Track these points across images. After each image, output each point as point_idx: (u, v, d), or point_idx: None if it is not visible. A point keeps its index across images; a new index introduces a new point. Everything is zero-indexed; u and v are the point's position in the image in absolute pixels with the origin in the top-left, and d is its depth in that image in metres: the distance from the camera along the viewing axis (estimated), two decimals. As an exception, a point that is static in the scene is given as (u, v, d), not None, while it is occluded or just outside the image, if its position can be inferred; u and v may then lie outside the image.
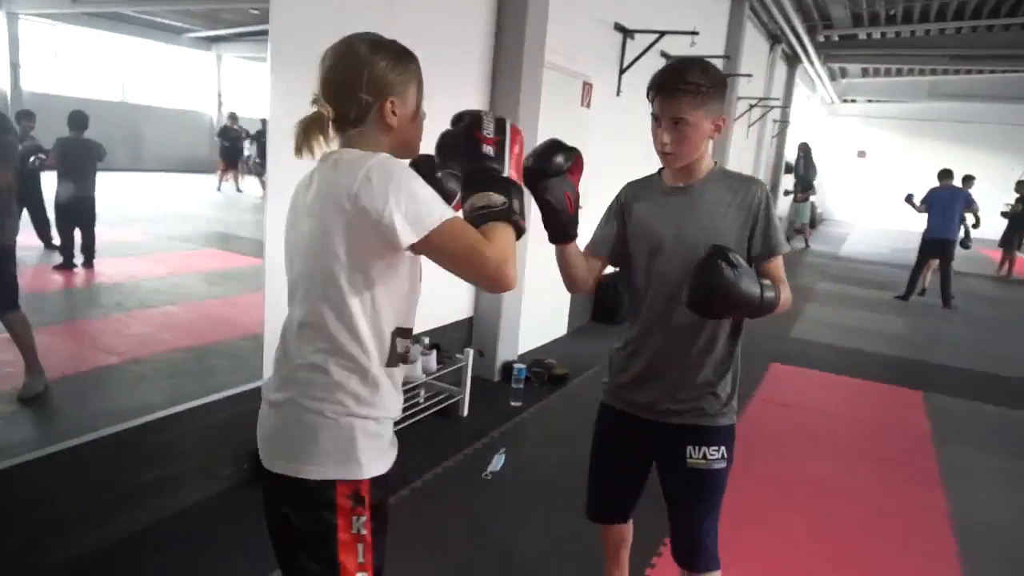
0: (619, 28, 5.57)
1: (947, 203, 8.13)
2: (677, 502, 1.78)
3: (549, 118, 4.43)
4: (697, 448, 1.70)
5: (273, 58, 2.68)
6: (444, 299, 4.09)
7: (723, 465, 1.72)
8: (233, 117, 7.07)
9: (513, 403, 3.96)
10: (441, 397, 3.67)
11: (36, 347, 2.94)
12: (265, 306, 2.85)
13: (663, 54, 6.23)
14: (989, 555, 2.84)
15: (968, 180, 9.41)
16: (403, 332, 1.29)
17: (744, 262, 1.46)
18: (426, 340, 3.65)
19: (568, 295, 5.52)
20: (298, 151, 1.26)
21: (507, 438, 3.53)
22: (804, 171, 13.72)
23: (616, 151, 5.41)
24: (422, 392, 3.64)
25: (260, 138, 3.31)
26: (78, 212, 4.60)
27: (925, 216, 8.26)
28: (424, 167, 1.38)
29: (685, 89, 1.56)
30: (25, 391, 2.88)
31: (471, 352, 3.73)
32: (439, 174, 1.46)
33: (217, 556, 2.40)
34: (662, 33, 5.70)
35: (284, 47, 2.70)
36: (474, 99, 4.07)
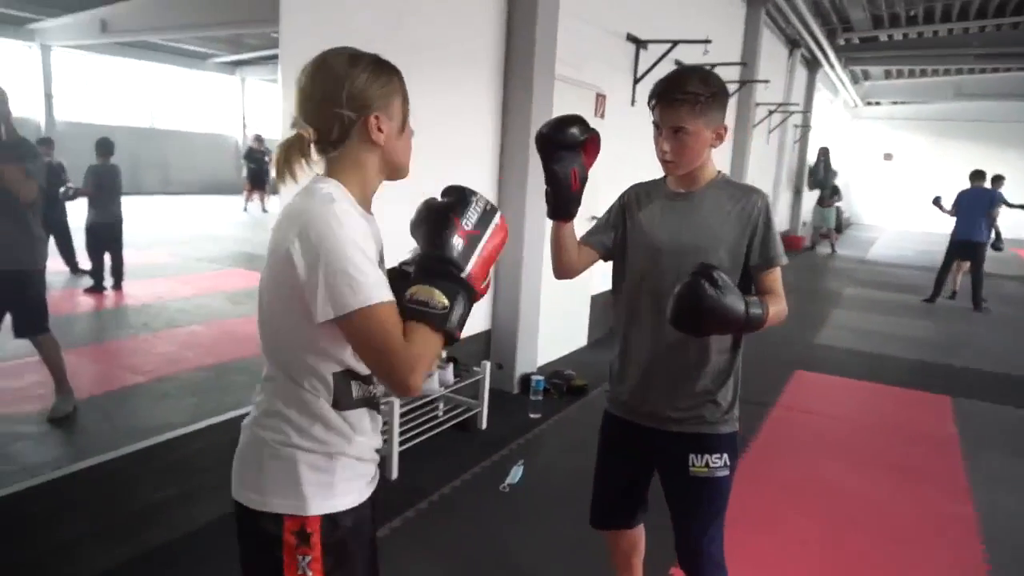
0: (631, 39, 5.60)
1: (974, 204, 8.01)
2: (680, 510, 1.78)
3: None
4: (699, 456, 1.70)
5: (284, 79, 2.76)
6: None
7: (726, 473, 1.72)
8: (259, 139, 7.23)
9: (532, 415, 3.97)
10: (459, 410, 3.70)
11: (65, 368, 3.04)
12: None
13: (677, 63, 6.24)
14: (1019, 563, 2.77)
15: (998, 180, 9.23)
16: (356, 376, 1.19)
17: (729, 280, 1.46)
18: (443, 353, 3.69)
19: (588, 306, 5.52)
20: (279, 177, 1.17)
21: (525, 450, 3.54)
22: (823, 176, 13.56)
23: (631, 161, 5.41)
24: (440, 405, 3.67)
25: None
26: (107, 236, 4.75)
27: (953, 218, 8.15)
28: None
29: (684, 99, 1.59)
30: (54, 412, 2.97)
31: (488, 365, 3.75)
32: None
33: (234, 572, 2.44)
34: (675, 42, 5.72)
35: (294, 67, 2.77)
36: (485, 114, 4.12)
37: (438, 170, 3.59)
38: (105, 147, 5.21)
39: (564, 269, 1.82)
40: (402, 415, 3.18)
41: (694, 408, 1.71)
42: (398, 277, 1.29)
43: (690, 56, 6.26)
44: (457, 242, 1.13)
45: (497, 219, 1.19)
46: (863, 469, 3.56)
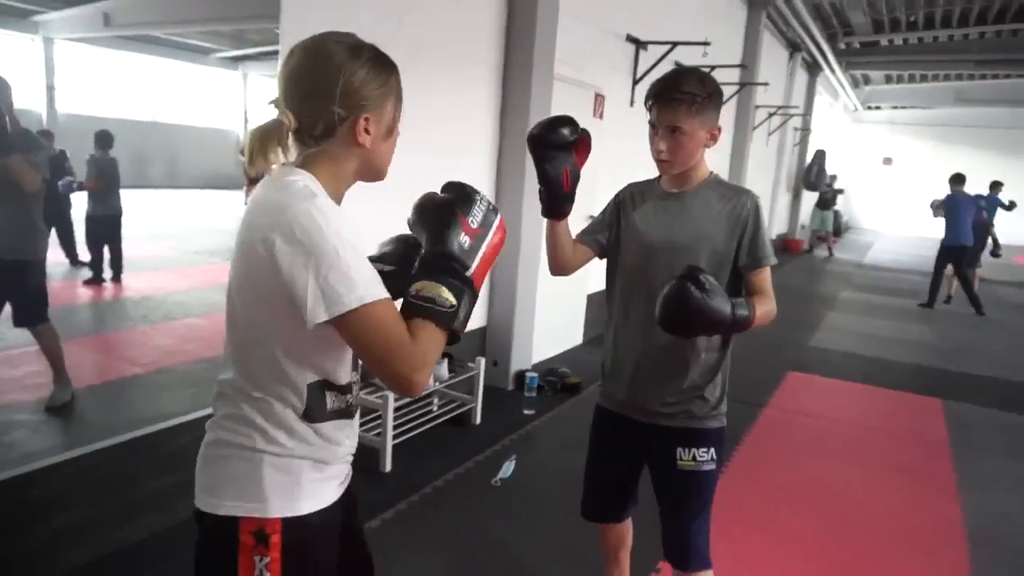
0: (631, 39, 5.64)
1: (960, 209, 8.09)
2: (668, 503, 1.82)
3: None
4: (687, 450, 1.74)
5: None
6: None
7: (712, 467, 1.76)
8: (256, 134, 7.24)
9: (526, 411, 4.01)
10: (454, 405, 3.73)
11: (64, 358, 3.07)
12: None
13: (677, 64, 6.27)
14: (1000, 564, 2.81)
15: (996, 186, 9.28)
16: (332, 387, 1.14)
17: (715, 283, 1.49)
18: (439, 350, 3.73)
19: (584, 304, 5.56)
20: (250, 162, 1.08)
21: (518, 445, 3.58)
22: (815, 178, 13.56)
23: (629, 162, 5.45)
24: (435, 400, 3.71)
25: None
26: (106, 228, 4.78)
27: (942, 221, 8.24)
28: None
29: (681, 99, 1.62)
30: (52, 401, 3.01)
31: (483, 361, 3.79)
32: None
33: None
34: (675, 44, 5.75)
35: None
36: (484, 113, 4.16)
37: (435, 168, 3.62)
38: (104, 139, 5.24)
39: (559, 266, 1.86)
40: (396, 409, 3.22)
41: (682, 403, 1.75)
42: (402, 253, 1.30)
43: (690, 58, 6.29)
44: (464, 239, 1.09)
45: (498, 219, 1.15)
46: (853, 469, 3.60)
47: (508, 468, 3.25)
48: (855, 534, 2.94)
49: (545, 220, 1.80)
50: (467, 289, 1.09)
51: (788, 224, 14.14)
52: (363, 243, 1.15)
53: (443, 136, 3.75)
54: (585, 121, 5.36)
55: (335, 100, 1.07)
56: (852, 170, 19.84)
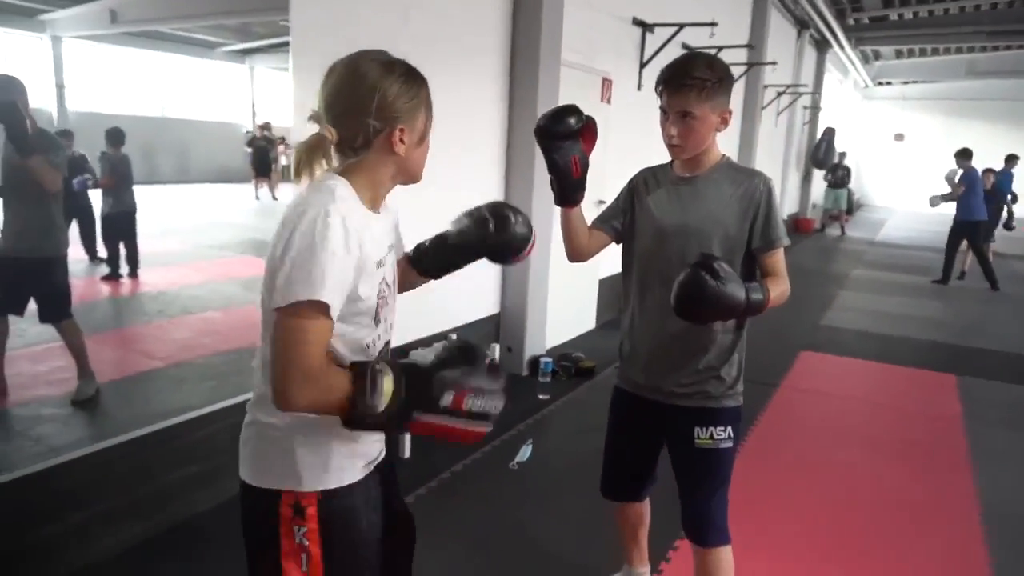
0: (638, 22, 5.61)
1: (972, 184, 8.04)
2: (686, 481, 1.85)
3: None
4: (704, 428, 1.78)
5: (295, 68, 2.82)
6: (470, 296, 4.20)
7: (729, 444, 1.79)
8: (264, 127, 7.27)
9: (540, 396, 4.05)
10: (470, 392, 3.77)
11: (87, 354, 3.13)
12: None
13: (684, 46, 6.24)
14: (1015, 537, 2.83)
15: (1012, 160, 9.18)
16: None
17: (729, 269, 1.51)
18: (452, 336, 3.76)
19: (596, 289, 5.58)
20: (297, 175, 1.18)
21: (534, 430, 3.62)
22: (824, 155, 13.43)
23: (638, 145, 5.45)
24: (451, 387, 3.75)
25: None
26: (121, 224, 4.83)
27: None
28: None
29: (691, 84, 1.64)
30: (78, 395, 3.06)
31: (497, 348, 3.82)
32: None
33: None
34: (681, 26, 5.72)
35: (304, 55, 2.84)
36: (493, 104, 4.16)
37: (446, 159, 3.65)
38: (116, 137, 5.27)
39: (576, 252, 1.90)
40: (413, 397, 3.26)
41: (699, 383, 1.78)
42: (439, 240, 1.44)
43: (697, 39, 6.26)
44: (447, 398, 1.12)
45: (485, 423, 1.17)
46: (867, 447, 3.61)
47: (525, 452, 3.30)
48: (870, 510, 2.96)
49: (558, 209, 1.83)
50: (399, 420, 1.12)
51: (799, 204, 14.06)
52: (376, 249, 1.18)
53: (452, 128, 3.77)
54: (593, 106, 5.36)
55: (372, 114, 1.16)
56: (863, 147, 19.67)
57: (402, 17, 3.33)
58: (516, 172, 4.30)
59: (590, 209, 1.83)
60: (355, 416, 1.08)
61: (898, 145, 20.41)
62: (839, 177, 13.54)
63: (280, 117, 6.06)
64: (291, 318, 1.07)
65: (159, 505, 2.59)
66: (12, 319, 2.98)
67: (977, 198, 8.01)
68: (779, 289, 1.67)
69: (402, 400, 1.10)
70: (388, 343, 1.34)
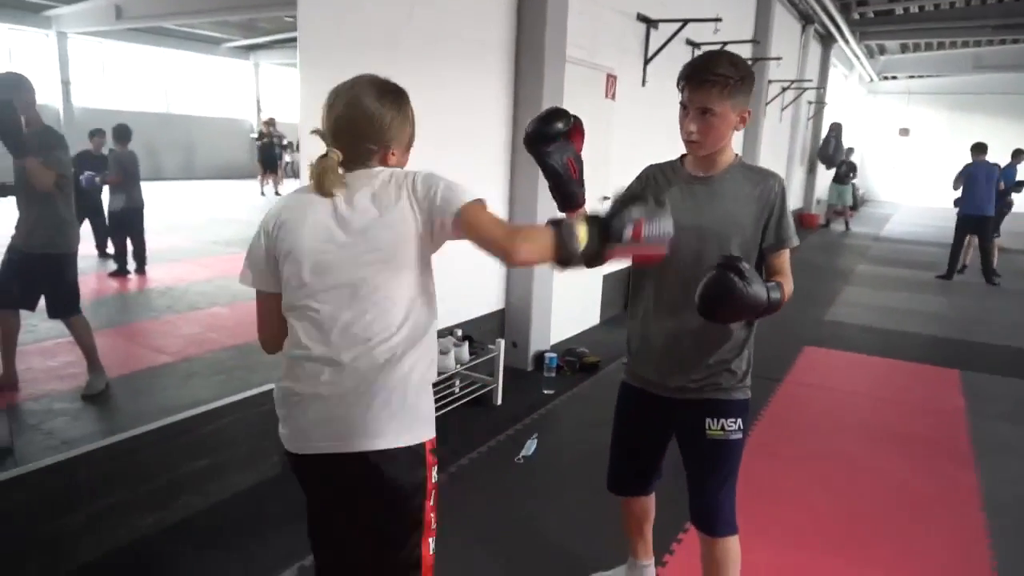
0: (642, 18, 5.61)
1: (981, 178, 7.97)
2: (696, 472, 1.88)
3: (573, 111, 4.51)
4: (715, 420, 1.80)
5: (302, 62, 2.86)
6: (476, 292, 4.22)
7: (739, 436, 1.82)
8: (269, 122, 7.30)
9: (545, 391, 4.07)
10: (475, 386, 3.80)
11: (97, 348, 3.16)
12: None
13: (689, 42, 6.24)
14: (1018, 530, 2.85)
15: (1019, 154, 9.14)
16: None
17: (752, 271, 1.54)
18: (459, 332, 3.79)
19: (600, 285, 5.59)
20: (319, 189, 1.41)
21: (539, 424, 3.65)
22: (833, 152, 13.40)
23: (642, 141, 5.47)
24: (457, 381, 3.78)
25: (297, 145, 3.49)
26: (128, 220, 4.86)
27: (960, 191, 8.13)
28: None
29: (714, 81, 1.64)
30: (88, 389, 3.09)
31: (503, 343, 3.85)
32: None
33: (263, 538, 2.58)
34: (685, 21, 5.72)
35: (311, 51, 2.87)
36: (497, 100, 4.18)
37: (450, 157, 3.68)
38: (122, 133, 5.30)
39: None
40: (419, 391, 3.29)
41: (711, 376, 1.81)
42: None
43: (701, 35, 6.26)
44: (628, 232, 1.37)
45: (662, 242, 1.42)
46: (870, 441, 3.63)
47: (530, 446, 3.32)
48: (872, 503, 2.98)
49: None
50: (601, 249, 1.38)
51: (803, 199, 14.03)
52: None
53: (457, 125, 3.79)
54: (597, 102, 5.38)
55: (371, 140, 1.44)
56: (868, 142, 19.61)
57: (406, 14, 3.35)
58: (520, 171, 4.32)
59: (594, 206, 1.84)
60: (564, 255, 1.34)
61: (903, 140, 20.32)
62: (843, 172, 13.51)
63: (284, 113, 6.11)
64: (479, 209, 1.36)
65: (170, 497, 2.62)
66: (23, 315, 3.01)
67: (980, 193, 7.96)
68: (788, 287, 1.71)
69: (595, 241, 1.36)
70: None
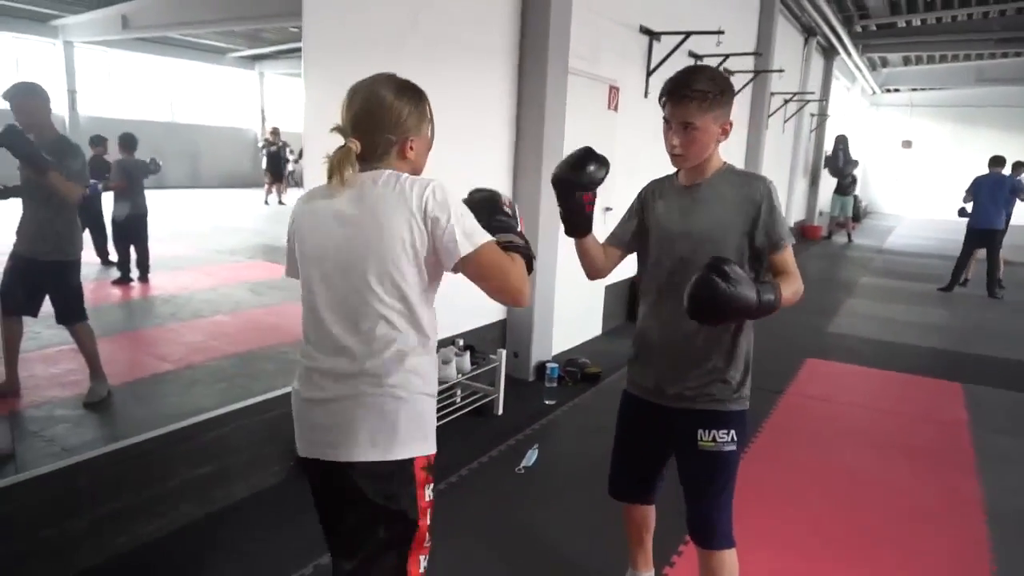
0: (645, 31, 5.65)
1: (992, 191, 7.94)
2: (691, 484, 1.88)
3: (576, 123, 4.53)
4: (707, 431, 1.80)
5: (307, 72, 2.88)
6: (477, 302, 4.21)
7: (733, 448, 1.81)
8: (275, 132, 7.34)
9: (547, 401, 4.07)
10: (476, 396, 3.80)
11: (99, 356, 3.17)
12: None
13: (691, 54, 6.27)
14: (1020, 540, 2.84)
15: (1019, 167, 9.15)
16: (434, 330, 1.52)
17: (740, 272, 1.54)
18: (460, 342, 3.79)
19: (602, 296, 5.60)
20: (330, 179, 1.41)
21: (540, 434, 3.65)
22: (843, 164, 13.44)
23: (645, 153, 5.48)
24: (458, 392, 3.78)
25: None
26: (132, 229, 4.88)
27: (971, 204, 8.09)
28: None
29: (693, 96, 1.68)
30: (90, 396, 3.10)
31: (504, 353, 3.85)
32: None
33: (265, 545, 2.57)
34: (688, 34, 5.75)
35: (316, 61, 2.89)
36: (500, 111, 4.20)
37: (454, 165, 3.68)
38: (129, 142, 5.34)
39: (594, 272, 1.98)
40: (421, 400, 3.29)
41: (705, 386, 1.81)
42: None
43: (704, 47, 6.29)
44: (507, 210, 1.56)
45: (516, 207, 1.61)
46: (872, 452, 3.62)
47: (531, 456, 3.32)
48: (874, 514, 2.97)
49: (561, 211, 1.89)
50: (524, 237, 1.55)
51: (806, 211, 14.04)
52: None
53: (460, 134, 3.81)
54: (600, 113, 5.40)
55: (389, 130, 1.44)
56: (871, 154, 19.63)
57: (411, 21, 3.38)
58: (523, 176, 4.33)
59: (597, 218, 1.88)
60: (533, 261, 1.53)
61: (906, 152, 20.34)
62: (845, 184, 13.54)
63: (288, 122, 6.13)
64: (489, 251, 1.40)
65: (172, 505, 2.62)
66: (27, 322, 3.02)
67: (987, 205, 7.94)
68: (792, 288, 1.69)
69: (522, 235, 1.56)
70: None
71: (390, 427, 1.40)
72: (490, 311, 4.40)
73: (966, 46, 14.34)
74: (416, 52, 3.40)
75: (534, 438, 3.57)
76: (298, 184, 4.32)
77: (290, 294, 4.05)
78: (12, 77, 3.11)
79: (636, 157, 5.38)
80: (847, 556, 2.66)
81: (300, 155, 4.44)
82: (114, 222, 4.90)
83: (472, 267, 1.39)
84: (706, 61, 6.28)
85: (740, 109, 8.62)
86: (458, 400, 3.75)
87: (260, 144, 7.24)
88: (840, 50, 12.62)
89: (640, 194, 1.97)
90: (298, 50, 3.14)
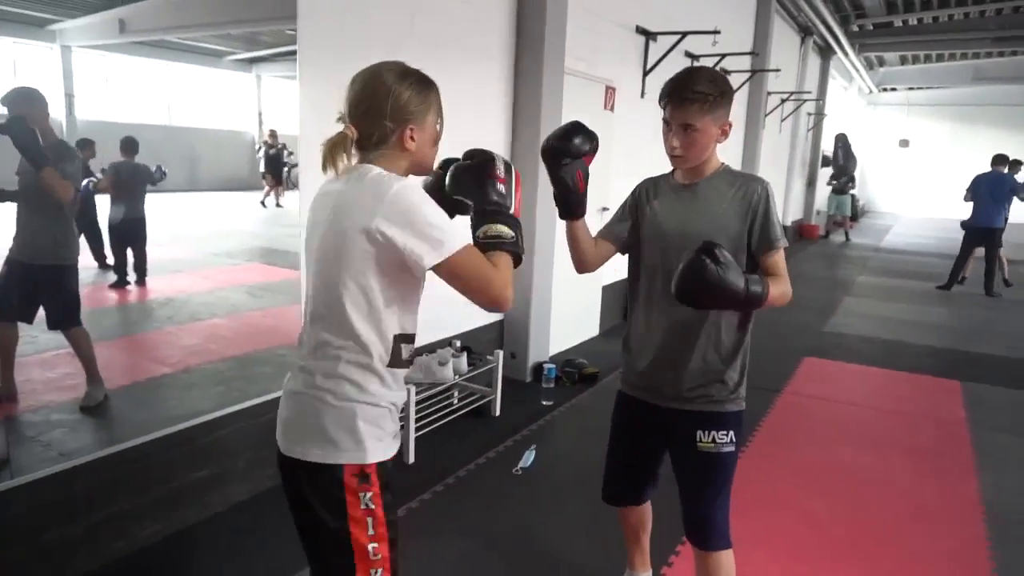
0: (641, 31, 5.65)
1: (992, 190, 7.95)
2: (688, 485, 1.87)
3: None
4: (707, 432, 1.80)
5: (302, 75, 2.88)
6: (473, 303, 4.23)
7: (731, 449, 1.81)
8: (273, 134, 7.33)
9: (544, 402, 4.07)
10: (473, 397, 3.80)
11: (96, 360, 3.16)
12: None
13: (688, 54, 6.28)
14: (1019, 540, 2.84)
15: (1016, 165, 9.16)
16: (406, 338, 1.41)
17: (731, 258, 1.54)
18: (457, 343, 3.79)
19: (600, 296, 5.60)
20: (324, 168, 1.36)
21: (537, 435, 3.65)
22: (844, 162, 13.45)
23: (641, 153, 5.48)
24: (455, 392, 3.78)
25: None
26: (130, 232, 4.87)
27: (970, 204, 8.10)
28: (435, 184, 1.52)
29: (694, 98, 1.68)
30: (87, 400, 3.10)
31: (501, 354, 3.85)
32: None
33: (262, 549, 2.57)
34: (684, 34, 5.76)
35: (311, 63, 2.89)
36: (497, 111, 4.20)
37: (451, 155, 3.66)
38: (129, 145, 5.33)
39: (582, 263, 1.94)
40: (418, 402, 3.29)
41: (702, 387, 1.81)
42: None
43: (700, 47, 6.30)
44: (500, 187, 1.41)
45: (514, 170, 1.46)
46: (870, 451, 3.62)
47: (528, 457, 3.32)
48: (873, 513, 2.98)
49: (562, 221, 1.87)
50: (515, 222, 1.42)
51: (803, 210, 14.05)
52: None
53: (456, 134, 3.80)
54: (596, 114, 5.40)
55: (387, 115, 1.36)
56: (868, 153, 19.65)
57: (408, 23, 3.39)
58: (521, 173, 4.33)
59: (594, 216, 1.87)
60: (519, 260, 1.43)
61: (903, 151, 20.38)
62: (842, 183, 13.54)
63: (286, 125, 6.13)
64: (460, 259, 1.30)
65: (169, 508, 2.62)
66: (23, 326, 3.01)
67: (984, 204, 7.94)
68: (780, 289, 1.69)
69: (509, 224, 1.41)
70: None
71: (323, 429, 1.35)
72: (486, 312, 4.40)
73: (963, 45, 14.36)
74: (414, 48, 3.40)
75: (531, 439, 3.57)
76: (295, 186, 4.33)
77: (287, 297, 4.06)
78: (10, 82, 3.11)
79: (633, 157, 5.38)
80: (845, 555, 2.66)
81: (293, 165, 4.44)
82: (111, 225, 4.90)
83: (443, 274, 1.32)
84: (702, 61, 6.28)
85: (737, 108, 8.63)
86: (455, 401, 3.75)
87: (258, 146, 7.24)
88: (837, 49, 12.63)
89: (634, 191, 1.95)
90: (295, 52, 3.14)
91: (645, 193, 1.91)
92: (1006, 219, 8.28)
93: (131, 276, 5.16)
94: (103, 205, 4.67)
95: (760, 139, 9.22)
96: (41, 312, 3.01)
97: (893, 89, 19.70)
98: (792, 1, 9.86)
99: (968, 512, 3.05)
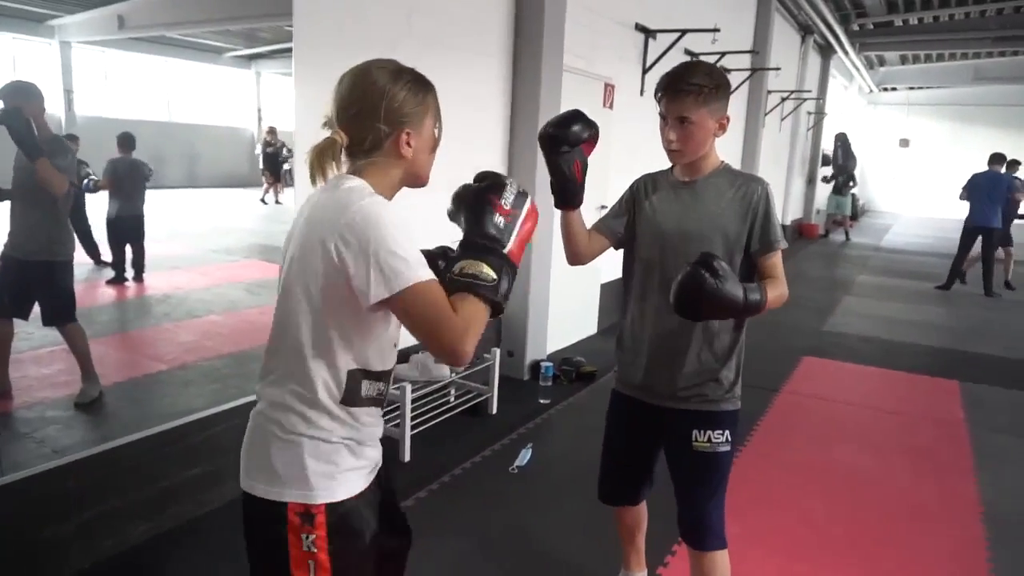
0: (640, 28, 5.63)
1: (988, 189, 7.93)
2: (684, 484, 1.86)
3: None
4: (702, 432, 1.79)
5: (297, 71, 2.86)
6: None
7: (727, 448, 1.80)
8: (272, 131, 7.32)
9: (541, 400, 4.06)
10: (470, 395, 3.79)
11: (91, 356, 3.16)
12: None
13: (687, 52, 6.26)
14: (1017, 540, 2.83)
15: (1014, 165, 9.15)
16: (368, 374, 1.23)
17: (728, 269, 1.53)
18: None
19: (598, 294, 5.59)
20: (313, 180, 1.22)
21: (534, 434, 3.63)
22: (844, 161, 13.44)
23: (640, 151, 5.47)
24: (452, 391, 3.77)
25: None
26: (128, 229, 4.87)
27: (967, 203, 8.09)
28: None
29: (689, 90, 1.67)
30: (81, 397, 3.09)
31: (498, 352, 3.84)
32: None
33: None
34: (684, 31, 5.74)
35: (307, 60, 2.87)
36: (495, 108, 4.19)
37: (448, 162, 3.65)
38: (126, 141, 5.32)
39: (576, 255, 1.91)
40: (414, 400, 3.28)
41: (697, 386, 1.80)
42: (440, 256, 1.41)
43: (700, 45, 6.28)
44: (498, 220, 1.21)
45: (529, 202, 1.26)
46: (868, 451, 3.61)
47: (525, 456, 3.31)
48: (871, 513, 2.96)
49: (559, 213, 1.85)
50: (506, 264, 1.20)
51: (803, 209, 14.04)
52: (412, 233, 1.21)
53: (455, 132, 3.78)
54: (595, 111, 5.38)
55: (380, 118, 1.21)
56: (868, 153, 19.64)
57: (405, 20, 3.37)
58: (518, 174, 4.32)
59: (591, 214, 1.85)
60: (498, 308, 1.19)
61: (903, 151, 20.36)
62: (841, 182, 13.53)
63: (285, 122, 6.09)
64: (416, 297, 1.12)
65: (163, 505, 2.61)
66: (19, 322, 3.01)
67: (982, 204, 7.92)
68: (777, 291, 1.68)
69: (500, 261, 1.19)
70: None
71: (267, 461, 1.21)
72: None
73: (963, 45, 14.33)
74: (411, 47, 3.38)
75: (528, 437, 3.56)
76: (293, 184, 4.32)
77: (283, 294, 3.99)
78: (9, 76, 3.10)
79: (632, 155, 5.37)
80: (843, 555, 2.65)
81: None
82: (109, 222, 4.89)
83: (395, 311, 1.16)
84: (702, 59, 6.27)
85: (737, 107, 8.63)
86: (452, 399, 3.74)
87: (259, 144, 7.18)
88: (837, 48, 12.61)
89: (632, 187, 1.93)
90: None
91: (643, 188, 1.89)
92: (1011, 219, 8.27)
93: (129, 272, 5.15)
94: (101, 202, 4.66)
95: (760, 138, 9.20)
96: (36, 308, 3.01)
97: (893, 89, 19.68)
98: (793, 0, 9.84)
99: (966, 512, 3.04)
